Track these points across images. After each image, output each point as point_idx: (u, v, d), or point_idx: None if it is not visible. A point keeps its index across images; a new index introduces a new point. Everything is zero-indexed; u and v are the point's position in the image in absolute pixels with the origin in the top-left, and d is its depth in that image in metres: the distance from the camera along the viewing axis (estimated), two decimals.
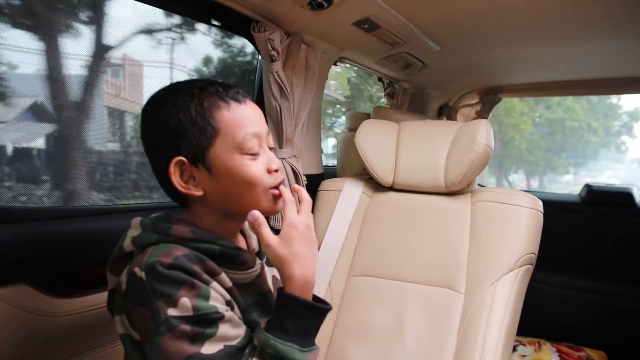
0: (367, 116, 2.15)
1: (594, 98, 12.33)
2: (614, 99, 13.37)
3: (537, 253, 1.25)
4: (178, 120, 0.72)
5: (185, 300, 0.65)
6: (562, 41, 1.62)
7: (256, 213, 0.73)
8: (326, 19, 1.34)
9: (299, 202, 0.79)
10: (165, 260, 0.66)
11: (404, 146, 1.45)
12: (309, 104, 1.49)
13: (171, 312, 0.64)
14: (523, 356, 2.10)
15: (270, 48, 1.31)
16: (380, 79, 2.35)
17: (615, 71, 2.02)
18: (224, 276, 0.73)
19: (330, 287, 1.36)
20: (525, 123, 10.92)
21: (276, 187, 0.78)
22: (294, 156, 1.50)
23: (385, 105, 2.38)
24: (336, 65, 1.83)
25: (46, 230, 0.96)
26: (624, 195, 2.34)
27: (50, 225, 0.98)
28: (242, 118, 0.75)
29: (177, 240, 0.72)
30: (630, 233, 2.27)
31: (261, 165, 0.76)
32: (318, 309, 0.74)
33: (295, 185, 0.82)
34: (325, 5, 1.24)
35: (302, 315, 0.72)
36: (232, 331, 0.70)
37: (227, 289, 0.74)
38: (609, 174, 15.37)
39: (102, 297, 1.02)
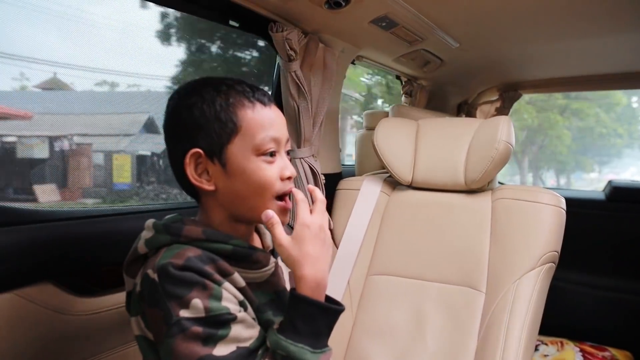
0: (386, 115, 2.14)
1: (620, 109, 13.17)
2: (634, 102, 14.17)
3: (559, 251, 1.23)
4: (202, 112, 0.73)
5: (197, 302, 0.65)
6: (584, 35, 1.59)
7: (270, 212, 0.73)
8: (344, 17, 1.34)
9: (313, 203, 0.78)
10: (176, 262, 0.66)
11: (422, 144, 1.44)
12: (327, 103, 1.49)
13: (183, 313, 0.64)
14: (545, 356, 2.07)
15: (288, 48, 1.31)
16: (398, 77, 2.34)
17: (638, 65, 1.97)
18: (236, 276, 0.73)
19: (349, 286, 1.36)
20: (567, 135, 12.74)
21: (283, 199, 0.77)
22: (312, 155, 1.50)
23: (403, 103, 2.37)
24: (354, 64, 1.82)
25: (70, 231, 0.98)
26: None
27: (74, 227, 1.00)
28: (264, 120, 0.75)
29: (189, 241, 0.72)
30: None
31: (275, 169, 0.76)
32: (330, 310, 0.72)
33: (310, 186, 0.81)
34: (343, 4, 1.24)
35: (314, 316, 0.70)
36: (245, 332, 0.69)
37: (241, 289, 0.73)
38: (633, 170, 15.41)
39: (123, 296, 1.04)
